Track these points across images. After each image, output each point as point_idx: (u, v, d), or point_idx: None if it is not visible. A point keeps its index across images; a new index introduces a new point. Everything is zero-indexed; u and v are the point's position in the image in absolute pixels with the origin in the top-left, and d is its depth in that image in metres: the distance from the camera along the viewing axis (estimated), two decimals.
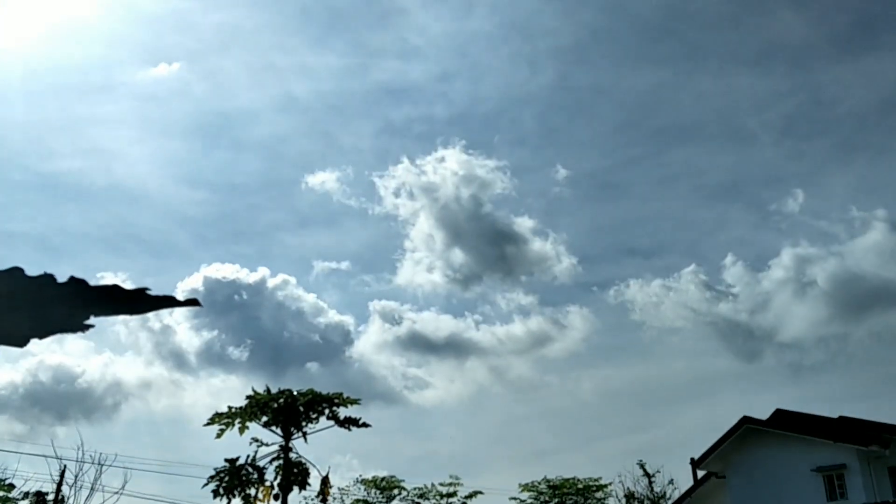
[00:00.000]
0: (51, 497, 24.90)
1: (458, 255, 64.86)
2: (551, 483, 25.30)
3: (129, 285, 5.94)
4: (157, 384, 55.77)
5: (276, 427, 19.59)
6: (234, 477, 18.23)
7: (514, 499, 25.78)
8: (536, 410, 62.98)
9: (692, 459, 30.80)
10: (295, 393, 19.72)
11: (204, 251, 70.22)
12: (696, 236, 70.53)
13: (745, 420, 28.19)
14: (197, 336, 57.25)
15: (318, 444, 47.01)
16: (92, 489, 25.26)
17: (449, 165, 63.93)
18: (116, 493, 25.28)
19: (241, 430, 19.31)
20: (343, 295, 69.27)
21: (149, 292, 5.84)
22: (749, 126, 67.07)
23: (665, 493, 35.14)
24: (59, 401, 49.80)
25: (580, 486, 25.44)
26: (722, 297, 64.32)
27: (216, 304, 55.38)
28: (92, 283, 5.91)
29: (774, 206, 67.64)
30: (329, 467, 19.10)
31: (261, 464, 18.86)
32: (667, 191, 70.57)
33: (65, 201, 64.07)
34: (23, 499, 22.65)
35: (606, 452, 56.67)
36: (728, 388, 60.74)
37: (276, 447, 19.34)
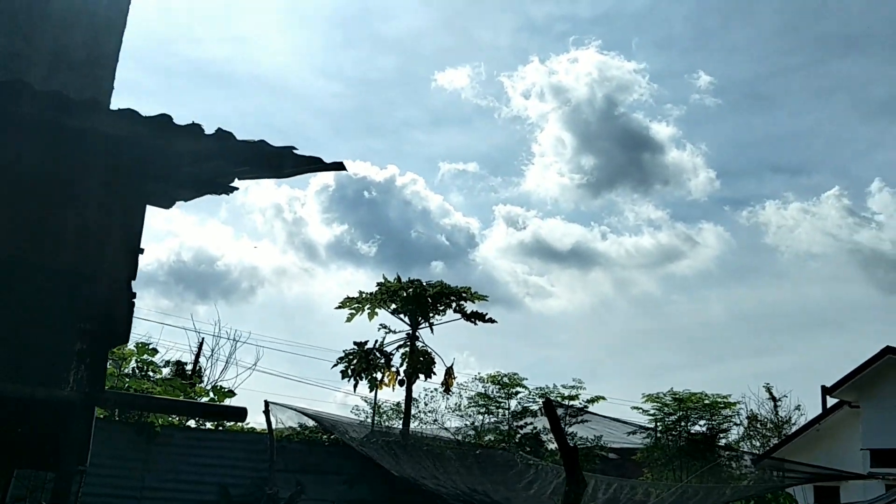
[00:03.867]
0: (188, 367, 26.40)
1: (588, 161, 62.90)
2: (677, 396, 24.73)
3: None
4: (290, 272, 57.93)
5: (404, 315, 19.79)
6: (362, 360, 18.63)
7: (637, 408, 25.42)
8: (660, 326, 61.53)
9: (823, 387, 29.44)
10: (424, 283, 19.79)
11: (338, 144, 71.25)
12: (847, 157, 65.47)
13: (888, 350, 26.35)
14: (328, 229, 58.88)
15: (439, 339, 48.04)
16: (226, 363, 26.65)
17: (582, 66, 61.29)
18: (249, 368, 26.57)
19: (371, 316, 19.64)
20: (468, 197, 69.07)
21: (295, 151, 5.43)
22: None
23: (790, 418, 33.92)
24: (199, 280, 52.90)
25: (707, 401, 24.77)
26: (865, 225, 60.24)
27: (346, 199, 56.55)
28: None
29: None
30: (454, 359, 19.27)
31: (388, 350, 19.19)
32: (822, 105, 65.42)
33: (210, 88, 66.00)
34: (164, 366, 24.08)
35: (731, 373, 54.97)
36: (864, 319, 57.43)
37: (402, 335, 19.58)
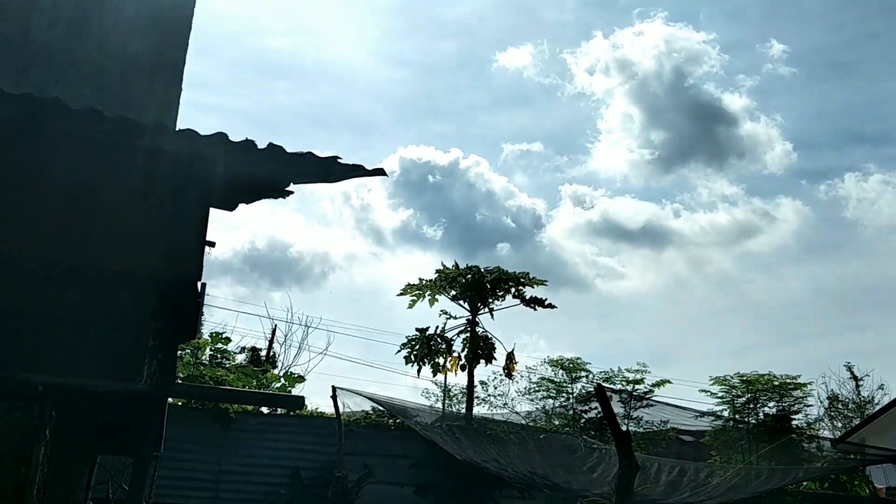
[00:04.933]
0: (263, 353, 27.42)
1: (658, 135, 61.68)
2: (744, 378, 24.46)
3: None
4: (360, 257, 58.91)
5: (464, 302, 20.19)
6: (424, 346, 19.14)
7: (704, 391, 25.24)
8: (737, 305, 60.18)
9: None
10: (482, 269, 20.11)
11: (403, 130, 71.83)
12: None
13: None
14: (394, 214, 59.59)
15: (507, 323, 48.35)
16: (299, 348, 27.62)
17: (648, 39, 60.09)
18: (321, 353, 27.48)
19: (431, 303, 20.15)
20: (533, 178, 68.74)
21: (340, 160, 5.86)
22: None
23: (873, 398, 33.12)
24: (273, 267, 54.29)
25: (776, 382, 24.42)
26: None
27: (411, 184, 57.14)
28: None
29: None
30: (514, 344, 19.60)
31: (449, 335, 19.63)
32: None
33: (276, 79, 67.35)
34: (239, 352, 25.05)
35: (811, 353, 53.58)
36: None
37: (463, 321, 19.98)
